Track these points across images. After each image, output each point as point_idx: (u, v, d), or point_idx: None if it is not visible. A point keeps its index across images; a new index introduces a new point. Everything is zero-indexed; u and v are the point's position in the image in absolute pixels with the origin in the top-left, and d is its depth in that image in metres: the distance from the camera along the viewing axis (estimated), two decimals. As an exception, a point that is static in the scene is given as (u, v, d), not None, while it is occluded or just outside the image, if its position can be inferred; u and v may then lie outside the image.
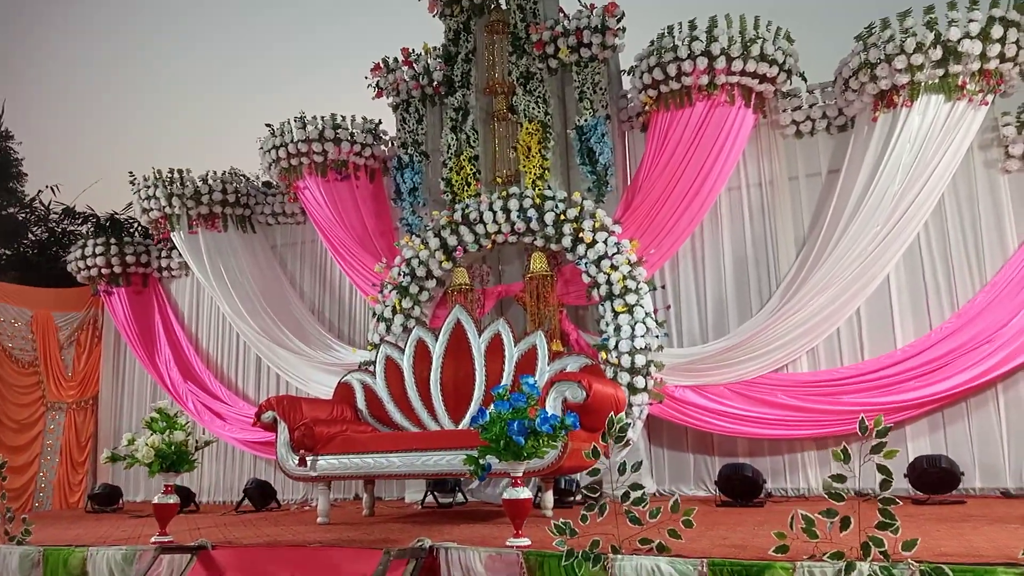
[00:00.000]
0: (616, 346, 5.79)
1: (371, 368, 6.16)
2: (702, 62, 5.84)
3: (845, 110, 5.98)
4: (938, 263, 5.73)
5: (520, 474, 3.67)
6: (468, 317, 5.76)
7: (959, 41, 5.23)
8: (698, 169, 6.05)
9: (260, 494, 6.71)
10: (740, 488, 5.25)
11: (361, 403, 5.91)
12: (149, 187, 7.85)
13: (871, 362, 5.70)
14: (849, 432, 5.60)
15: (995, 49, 5.24)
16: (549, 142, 6.61)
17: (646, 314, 5.84)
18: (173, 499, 4.37)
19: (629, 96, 6.77)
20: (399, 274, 6.56)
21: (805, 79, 6.16)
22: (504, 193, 6.38)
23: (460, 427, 5.52)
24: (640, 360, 5.73)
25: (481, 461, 3.74)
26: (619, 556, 3.03)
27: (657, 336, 5.88)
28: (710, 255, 6.41)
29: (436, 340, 5.80)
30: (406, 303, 6.51)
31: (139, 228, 9.10)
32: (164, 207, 7.82)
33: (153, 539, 4.22)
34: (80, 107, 13.86)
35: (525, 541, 3.42)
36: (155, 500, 4.33)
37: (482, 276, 6.79)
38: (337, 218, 7.25)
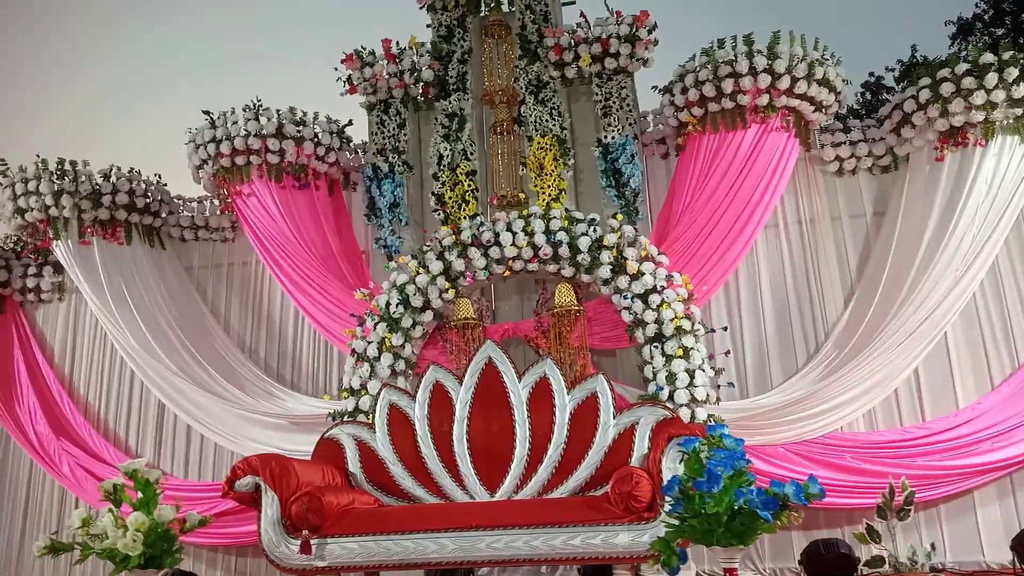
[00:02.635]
0: (671, 397, 4.87)
1: (364, 419, 4.81)
2: (764, 80, 5.23)
3: (897, 148, 5.57)
4: (994, 314, 5.36)
5: (736, 565, 2.62)
6: (503, 356, 4.62)
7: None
8: (747, 199, 5.39)
9: (182, 590, 5.02)
10: (835, 570, 4.42)
11: (354, 465, 4.53)
12: (29, 180, 6.01)
13: (939, 421, 5.17)
14: (920, 500, 5.03)
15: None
16: (568, 159, 5.71)
17: (703, 360, 4.99)
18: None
19: (649, 118, 6.07)
20: (390, 303, 5.26)
21: (860, 115, 5.74)
22: (525, 212, 5.36)
23: (498, 496, 4.32)
24: (701, 414, 4.83)
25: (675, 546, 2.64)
26: None
27: (719, 386, 5.03)
28: (747, 297, 5.70)
29: (460, 385, 4.59)
30: (396, 339, 5.22)
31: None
32: (49, 207, 6.00)
33: None
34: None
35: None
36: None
37: (481, 311, 5.65)
38: (296, 234, 5.83)
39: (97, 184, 6.08)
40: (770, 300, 5.68)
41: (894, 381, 5.18)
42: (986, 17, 12.36)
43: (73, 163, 6.10)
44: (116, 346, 6.22)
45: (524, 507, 3.85)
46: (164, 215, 6.43)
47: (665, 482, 3.44)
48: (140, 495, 2.90)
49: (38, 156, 6.04)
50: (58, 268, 6.54)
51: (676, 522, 2.65)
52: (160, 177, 6.44)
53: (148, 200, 6.26)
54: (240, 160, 5.87)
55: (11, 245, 6.65)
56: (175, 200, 6.54)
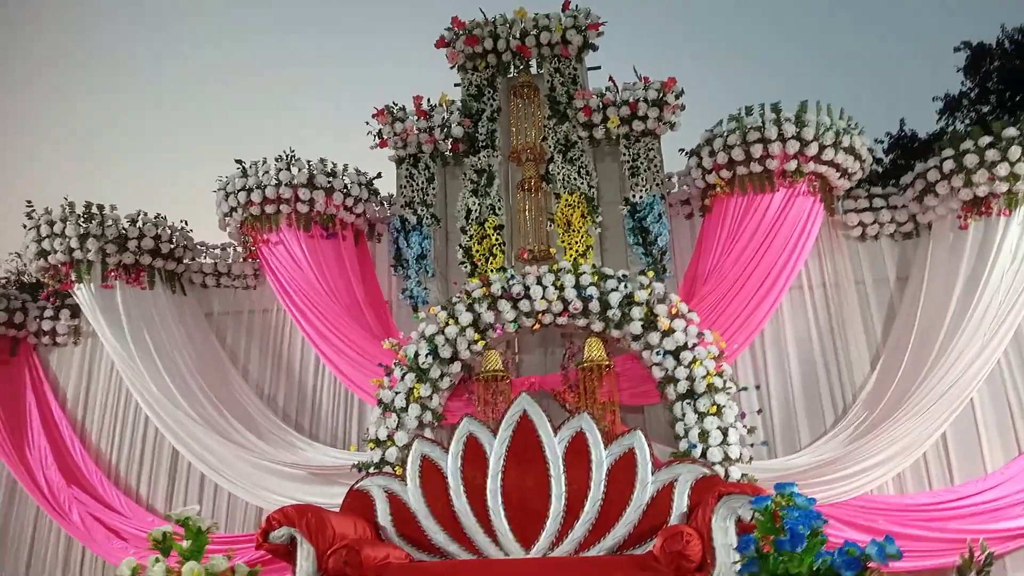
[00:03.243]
0: (704, 455, 4.83)
1: (392, 471, 4.73)
2: (792, 146, 5.36)
3: (920, 216, 5.69)
4: (1020, 380, 5.40)
5: (811, 629, 2.57)
6: (539, 409, 4.60)
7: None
8: (774, 261, 5.46)
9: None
10: (874, 636, 4.33)
11: (384, 518, 4.45)
12: (55, 222, 6.00)
13: (968, 485, 5.15)
14: (947, 565, 4.98)
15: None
16: (596, 216, 5.81)
17: (735, 418, 4.98)
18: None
19: (674, 179, 6.18)
20: (419, 353, 5.24)
21: (884, 182, 5.87)
22: (555, 267, 5.40)
23: (533, 553, 4.24)
24: (735, 473, 4.80)
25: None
26: None
27: (752, 444, 5.01)
28: (773, 357, 5.71)
29: (495, 438, 4.55)
30: (424, 390, 5.18)
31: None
32: (73, 250, 5.98)
33: None
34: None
35: None
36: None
37: (507, 363, 5.62)
38: (322, 283, 5.83)
39: (124, 229, 6.07)
40: (796, 361, 5.69)
41: (923, 445, 5.17)
42: (972, 95, 12.83)
43: (100, 207, 6.10)
44: (133, 392, 6.10)
45: (570, 565, 3.77)
46: (187, 261, 6.41)
47: (718, 541, 3.42)
48: (190, 544, 2.82)
49: (65, 199, 6.06)
50: (75, 311, 6.48)
51: (746, 581, 2.60)
52: (187, 223, 6.45)
53: (172, 246, 6.25)
54: (270, 208, 5.90)
55: (15, 285, 6.58)
56: (198, 246, 6.53)
